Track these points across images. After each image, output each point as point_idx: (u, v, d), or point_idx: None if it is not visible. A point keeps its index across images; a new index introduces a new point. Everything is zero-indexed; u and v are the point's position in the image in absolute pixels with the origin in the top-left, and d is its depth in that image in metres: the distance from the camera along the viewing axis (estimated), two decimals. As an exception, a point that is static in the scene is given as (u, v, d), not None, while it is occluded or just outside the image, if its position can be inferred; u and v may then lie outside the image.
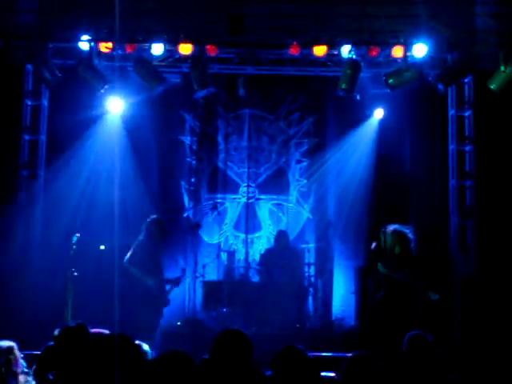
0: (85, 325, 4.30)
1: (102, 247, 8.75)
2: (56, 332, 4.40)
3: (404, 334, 4.33)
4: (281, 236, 9.70)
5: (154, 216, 8.09)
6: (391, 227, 7.34)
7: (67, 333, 4.17)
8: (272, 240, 9.90)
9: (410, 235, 7.34)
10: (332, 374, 4.80)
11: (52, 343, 4.26)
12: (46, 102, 9.07)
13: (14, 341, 4.20)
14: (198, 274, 9.19)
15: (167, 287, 7.87)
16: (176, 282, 7.97)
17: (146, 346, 4.61)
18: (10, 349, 4.14)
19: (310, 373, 3.55)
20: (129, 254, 7.69)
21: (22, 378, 4.08)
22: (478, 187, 8.96)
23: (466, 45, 8.24)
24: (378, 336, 7.04)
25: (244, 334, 3.72)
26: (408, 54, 8.35)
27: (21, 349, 4.25)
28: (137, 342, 4.52)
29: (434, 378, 3.64)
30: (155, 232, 7.86)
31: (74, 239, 7.18)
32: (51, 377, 3.91)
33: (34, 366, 4.21)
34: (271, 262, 9.41)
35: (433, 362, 3.80)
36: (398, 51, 8.38)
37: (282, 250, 9.49)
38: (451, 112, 9.12)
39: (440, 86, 8.53)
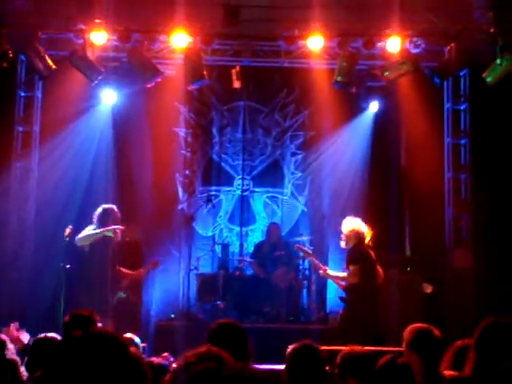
0: (94, 313, 4.29)
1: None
2: (66, 318, 4.41)
3: (398, 328, 4.27)
4: (272, 229, 9.68)
5: (105, 205, 7.61)
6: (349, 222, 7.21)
7: (76, 320, 4.16)
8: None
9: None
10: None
11: (41, 336, 4.20)
12: (39, 93, 9.01)
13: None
14: (192, 267, 9.15)
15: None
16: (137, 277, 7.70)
17: (136, 339, 4.57)
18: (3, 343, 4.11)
19: (322, 371, 3.53)
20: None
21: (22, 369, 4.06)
22: (473, 180, 8.95)
23: (462, 38, 8.19)
24: (372, 330, 6.99)
25: (239, 325, 3.69)
26: (404, 46, 8.30)
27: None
28: (128, 334, 4.49)
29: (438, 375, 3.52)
30: (106, 222, 7.42)
31: (67, 231, 7.11)
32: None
33: (26, 359, 4.17)
34: (263, 254, 9.39)
35: (438, 359, 3.64)
36: (393, 44, 8.33)
37: (274, 243, 9.47)
38: (447, 105, 9.11)
39: (436, 79, 8.50)
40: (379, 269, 7.19)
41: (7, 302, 8.12)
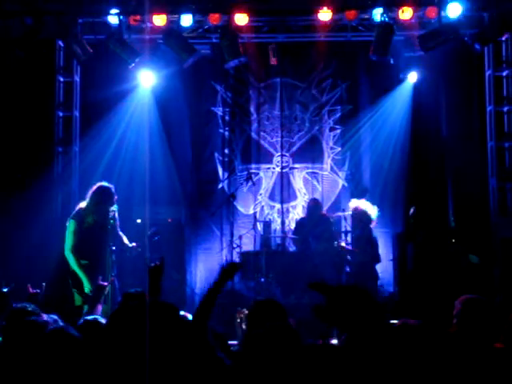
0: (144, 292, 4.37)
1: (139, 221, 8.81)
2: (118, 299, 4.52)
3: (444, 300, 4.22)
4: (312, 205, 9.65)
5: (103, 184, 7.02)
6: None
7: (128, 299, 4.26)
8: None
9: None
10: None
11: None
12: (78, 78, 9.11)
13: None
14: (234, 245, 9.21)
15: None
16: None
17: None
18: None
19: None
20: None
21: None
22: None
23: (503, 1, 7.97)
24: (418, 302, 6.99)
25: (278, 302, 3.69)
26: (442, 14, 8.12)
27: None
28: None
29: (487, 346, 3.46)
30: (102, 203, 6.89)
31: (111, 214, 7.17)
32: None
33: None
34: (305, 231, 9.39)
35: (490, 328, 3.59)
36: (431, 12, 8.16)
37: (315, 219, 9.45)
38: (488, 72, 8.90)
39: (476, 46, 8.30)
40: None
41: (54, 284, 8.27)
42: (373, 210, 7.44)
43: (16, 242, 8.28)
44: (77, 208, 7.02)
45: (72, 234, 6.79)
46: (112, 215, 6.98)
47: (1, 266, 7.95)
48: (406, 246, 7.97)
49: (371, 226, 7.61)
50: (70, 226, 6.83)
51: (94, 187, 7.01)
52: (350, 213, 7.66)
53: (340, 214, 9.63)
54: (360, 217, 7.40)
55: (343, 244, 8.00)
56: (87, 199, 6.98)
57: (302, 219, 9.82)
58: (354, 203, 7.60)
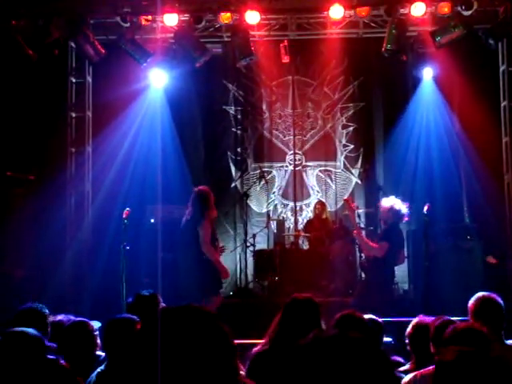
0: (156, 294, 4.32)
1: (152, 220, 8.82)
2: (129, 300, 4.43)
3: (460, 297, 4.19)
4: (318, 207, 9.63)
5: (200, 188, 6.92)
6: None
7: (140, 301, 4.21)
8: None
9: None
10: (389, 339, 4.74)
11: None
12: (90, 79, 9.12)
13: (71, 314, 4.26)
14: (248, 244, 9.20)
15: None
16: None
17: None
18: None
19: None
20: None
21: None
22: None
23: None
24: (434, 299, 6.94)
25: (315, 301, 3.65)
26: (455, 9, 8.05)
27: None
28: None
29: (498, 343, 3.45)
30: (208, 206, 6.74)
31: (125, 213, 7.18)
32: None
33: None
34: (314, 230, 9.38)
35: (503, 327, 3.59)
36: (444, 7, 8.08)
37: (323, 219, 9.45)
38: (502, 67, 8.81)
39: (490, 41, 8.20)
40: (403, 251, 7.47)
41: (68, 283, 8.30)
42: (404, 207, 7.23)
43: (29, 242, 8.31)
44: (189, 213, 6.77)
45: (208, 230, 6.67)
46: None
47: (15, 265, 7.99)
48: (420, 243, 7.88)
49: (402, 222, 7.37)
50: (206, 222, 6.64)
51: (198, 191, 6.82)
52: (380, 210, 7.33)
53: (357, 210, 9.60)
54: (393, 213, 7.15)
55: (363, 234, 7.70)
56: (198, 204, 6.73)
57: (310, 220, 9.81)
58: (388, 201, 7.28)
